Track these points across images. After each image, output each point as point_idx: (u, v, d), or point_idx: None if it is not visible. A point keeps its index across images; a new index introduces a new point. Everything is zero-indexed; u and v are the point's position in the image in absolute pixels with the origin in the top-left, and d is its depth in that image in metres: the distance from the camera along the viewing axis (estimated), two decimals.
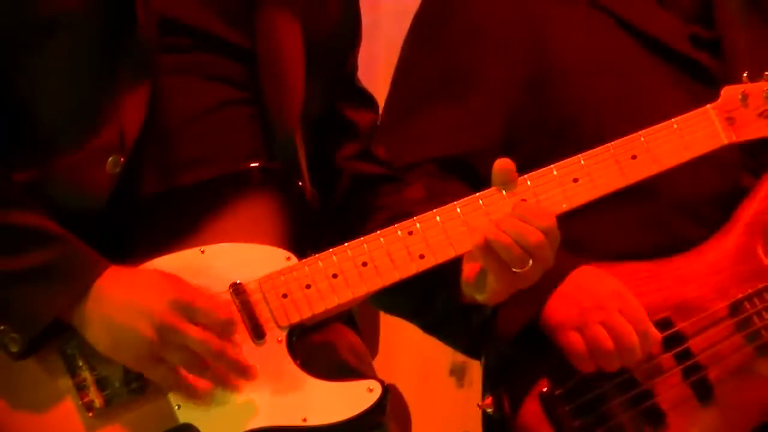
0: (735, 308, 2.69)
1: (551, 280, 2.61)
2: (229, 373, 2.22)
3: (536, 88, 2.77)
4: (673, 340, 2.63)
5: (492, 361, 2.88)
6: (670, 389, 2.67)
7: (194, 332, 2.18)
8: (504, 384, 2.78)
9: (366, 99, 2.71)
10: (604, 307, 2.64)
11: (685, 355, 2.66)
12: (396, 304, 2.73)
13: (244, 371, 2.21)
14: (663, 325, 2.57)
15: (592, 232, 2.74)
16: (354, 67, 2.69)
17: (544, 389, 2.58)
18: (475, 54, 2.86)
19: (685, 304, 2.72)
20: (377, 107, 2.74)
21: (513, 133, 2.67)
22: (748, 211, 2.79)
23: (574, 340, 2.60)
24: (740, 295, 2.69)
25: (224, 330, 2.18)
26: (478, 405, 2.79)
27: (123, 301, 2.25)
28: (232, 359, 2.20)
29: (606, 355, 2.59)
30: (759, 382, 2.76)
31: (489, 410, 2.71)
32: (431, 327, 2.78)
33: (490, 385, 2.84)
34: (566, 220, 2.38)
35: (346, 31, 2.65)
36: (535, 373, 2.69)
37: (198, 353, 2.19)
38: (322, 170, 2.56)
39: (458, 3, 2.97)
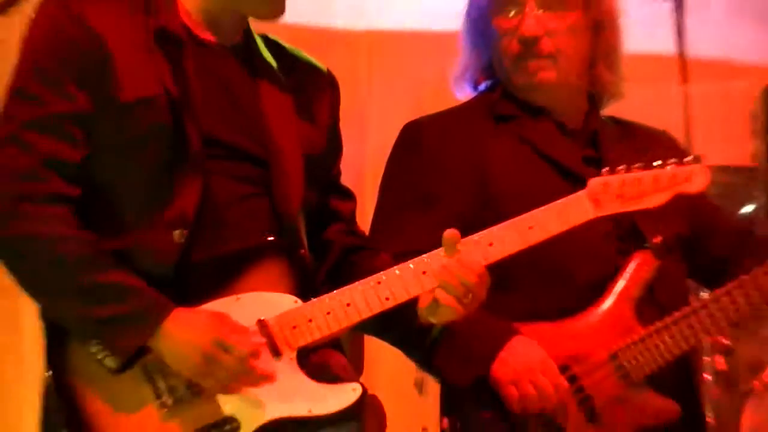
0: (613, 356, 3.45)
1: (495, 347, 3.38)
2: (256, 381, 2.87)
3: (480, 206, 3.44)
4: (571, 380, 3.37)
5: (447, 392, 3.60)
6: (570, 414, 3.42)
7: (226, 360, 2.85)
8: (457, 411, 3.53)
9: (347, 194, 3.38)
10: (533, 370, 3.36)
11: (579, 390, 3.39)
12: (373, 329, 3.35)
13: (264, 378, 2.87)
14: (563, 369, 3.34)
15: (517, 301, 3.46)
16: (338, 171, 3.37)
17: (488, 417, 3.40)
18: (435, 180, 3.57)
19: (578, 355, 3.45)
20: (355, 198, 3.41)
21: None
22: (618, 285, 3.49)
23: (511, 392, 3.34)
24: (615, 348, 3.41)
25: (250, 355, 2.86)
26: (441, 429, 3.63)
27: (182, 336, 2.91)
28: (257, 372, 2.86)
29: (532, 402, 3.34)
30: (631, 407, 3.49)
31: (445, 429, 3.50)
32: (398, 343, 3.46)
33: (446, 408, 3.58)
34: (501, 293, 3.18)
35: (332, 150, 3.31)
36: (480, 407, 3.43)
37: (230, 372, 2.86)
38: (316, 243, 3.23)
39: (422, 141, 3.71)
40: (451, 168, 3.60)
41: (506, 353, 3.38)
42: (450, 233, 2.90)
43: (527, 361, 3.40)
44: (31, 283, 2.99)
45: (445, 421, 3.51)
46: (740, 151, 6.03)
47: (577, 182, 3.33)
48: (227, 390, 2.94)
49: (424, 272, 2.98)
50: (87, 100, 2.96)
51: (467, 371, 3.44)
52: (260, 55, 3.33)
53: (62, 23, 3.03)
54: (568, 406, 3.41)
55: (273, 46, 3.37)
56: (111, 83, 2.97)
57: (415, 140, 3.71)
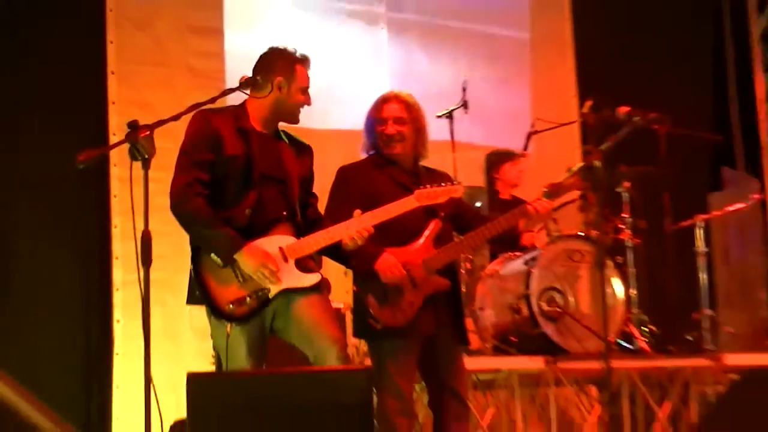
0: (424, 261, 5.29)
1: (376, 256, 5.27)
2: (276, 279, 4.76)
3: (367, 203, 5.14)
4: (407, 271, 5.24)
5: (355, 275, 5.59)
6: (405, 284, 5.30)
7: (265, 270, 4.74)
8: (359, 282, 5.46)
9: (314, 195, 5.33)
10: (392, 265, 5.28)
11: (409, 274, 5.30)
12: (326, 252, 5.22)
13: (280, 272, 4.76)
14: (404, 265, 5.24)
15: (385, 239, 5.25)
16: (311, 186, 5.33)
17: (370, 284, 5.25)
18: (349, 190, 5.47)
19: (409, 261, 5.32)
20: (317, 198, 5.35)
21: None
22: (426, 232, 5.44)
23: (383, 272, 5.24)
24: (425, 258, 5.30)
25: (276, 269, 4.74)
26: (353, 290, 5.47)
27: (247, 256, 4.75)
28: (276, 277, 4.78)
29: (392, 278, 5.25)
30: (431, 281, 5.35)
31: (355, 290, 5.52)
32: (335, 257, 5.32)
33: (356, 282, 5.57)
34: (379, 236, 5.09)
35: (310, 178, 5.30)
36: (368, 280, 5.33)
37: (268, 276, 4.74)
38: (303, 217, 5.12)
39: (345, 173, 5.61)
40: (356, 186, 5.54)
41: (380, 258, 5.34)
42: (357, 212, 5.03)
43: (388, 262, 5.33)
44: (189, 229, 4.93)
45: (354, 286, 5.60)
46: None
47: (409, 192, 5.29)
48: (264, 277, 4.84)
49: (346, 228, 5.02)
50: (210, 155, 4.91)
51: (364, 266, 5.40)
52: (281, 137, 5.22)
53: (201, 123, 4.97)
54: (404, 281, 5.33)
55: (285, 133, 5.24)
56: (221, 148, 4.91)
57: (343, 173, 5.65)
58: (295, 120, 5.16)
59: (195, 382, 4.02)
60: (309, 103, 5.10)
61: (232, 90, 5.04)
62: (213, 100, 4.91)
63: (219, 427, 3.99)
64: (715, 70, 11.44)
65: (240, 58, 5.27)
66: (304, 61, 5.11)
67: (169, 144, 4.94)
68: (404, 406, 5.42)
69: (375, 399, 5.07)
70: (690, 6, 11.34)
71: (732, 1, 11.54)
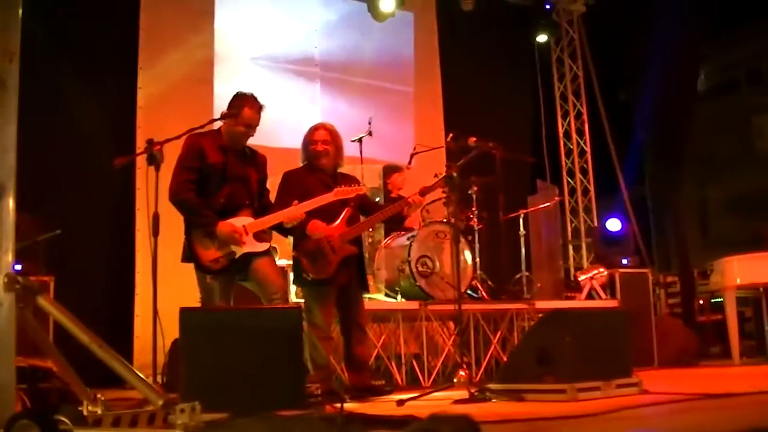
0: (340, 234, 5.24)
1: (305, 223, 5.18)
2: (241, 242, 4.89)
3: (301, 197, 5.19)
4: (328, 242, 5.18)
5: (294, 238, 5.42)
6: (326, 249, 5.25)
7: (235, 235, 4.85)
8: (297, 246, 5.34)
9: (267, 189, 5.30)
10: (319, 230, 5.24)
11: (329, 243, 5.23)
12: (275, 229, 5.23)
13: (243, 241, 4.88)
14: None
15: (317, 217, 5.22)
16: (265, 184, 5.30)
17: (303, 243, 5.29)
18: (289, 188, 5.36)
19: (331, 235, 5.24)
20: (269, 191, 5.35)
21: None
22: (341, 216, 5.36)
23: (313, 233, 5.19)
24: (341, 233, 5.21)
25: (240, 235, 4.89)
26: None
27: (221, 229, 4.87)
28: (242, 240, 4.88)
29: (322, 241, 5.21)
30: (345, 248, 5.30)
31: (294, 255, 5.44)
32: (280, 230, 5.29)
33: (294, 245, 5.42)
34: (314, 215, 5.17)
35: (264, 178, 5.29)
36: (303, 242, 5.26)
37: (236, 240, 4.89)
38: (259, 204, 5.15)
39: (288, 177, 5.49)
40: (295, 184, 5.45)
41: (311, 226, 5.30)
42: (294, 202, 5.08)
43: (317, 228, 5.31)
44: (183, 212, 4.97)
45: (294, 251, 5.51)
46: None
47: (330, 189, 5.33)
48: (232, 244, 4.93)
49: (287, 213, 5.08)
50: (197, 163, 4.99)
51: (300, 232, 5.34)
52: (245, 150, 5.23)
53: (192, 142, 5.06)
54: (326, 247, 5.29)
55: (249, 148, 5.27)
56: (205, 158, 5.00)
57: (287, 175, 5.55)
58: (238, 145, 5.17)
59: (185, 313, 4.02)
60: (248, 135, 5.15)
61: (214, 120, 5.17)
62: (203, 126, 5.06)
63: (201, 344, 3.98)
64: (533, 116, 11.66)
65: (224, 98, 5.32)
66: (252, 104, 5.11)
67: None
68: (325, 332, 5.43)
69: (306, 328, 5.15)
70: (519, 75, 11.64)
71: (542, 72, 11.75)
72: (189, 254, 4.98)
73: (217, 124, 5.16)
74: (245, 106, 5.07)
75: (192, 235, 4.95)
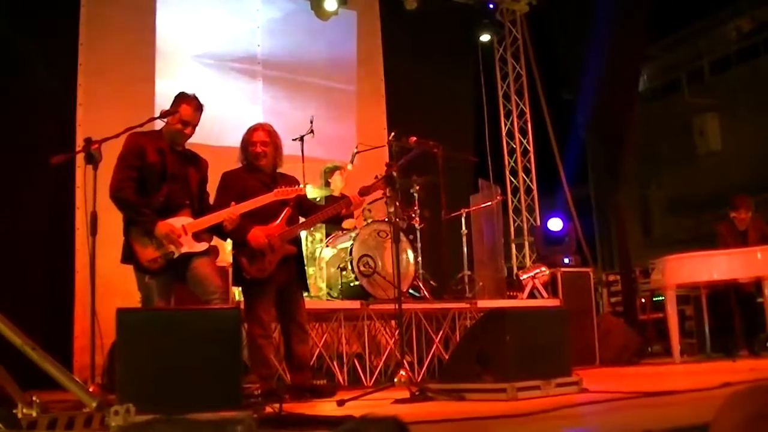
0: (279, 235, 5.33)
1: (247, 230, 5.24)
2: (179, 243, 4.92)
3: (239, 198, 5.23)
4: (268, 241, 5.24)
5: (233, 245, 5.49)
6: (266, 249, 5.30)
7: (173, 235, 4.89)
8: (237, 247, 5.43)
9: (206, 191, 5.34)
10: (259, 236, 5.26)
11: (271, 246, 5.29)
12: (211, 230, 5.21)
13: (182, 241, 4.93)
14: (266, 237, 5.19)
15: (256, 221, 5.25)
16: (206, 185, 5.32)
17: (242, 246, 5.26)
18: (227, 189, 5.42)
19: (271, 234, 5.30)
20: (209, 194, 5.38)
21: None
22: (281, 216, 5.35)
23: (253, 241, 5.20)
24: (280, 233, 5.29)
25: (179, 235, 4.94)
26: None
27: (160, 228, 4.90)
28: (180, 241, 4.92)
29: (261, 245, 5.24)
30: (284, 247, 5.37)
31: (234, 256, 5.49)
32: (218, 233, 5.32)
33: (234, 247, 5.48)
34: (249, 219, 5.15)
35: (204, 179, 5.30)
36: (241, 246, 5.31)
37: (174, 240, 4.92)
38: (199, 205, 5.17)
39: (227, 177, 5.52)
40: (234, 185, 5.51)
41: (251, 232, 5.35)
42: (232, 203, 5.13)
43: (256, 234, 5.35)
44: (123, 209, 4.99)
45: (233, 251, 5.59)
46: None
47: (270, 190, 5.39)
48: (170, 244, 4.97)
49: (224, 213, 5.13)
50: (138, 163, 5.02)
51: (240, 237, 5.38)
52: (185, 151, 5.30)
53: (132, 141, 5.11)
54: (266, 247, 5.36)
55: (189, 150, 5.34)
56: (145, 157, 5.04)
57: (225, 176, 5.60)
58: (176, 144, 5.21)
59: (122, 314, 3.99)
60: (186, 133, 5.18)
61: (153, 119, 5.21)
62: (142, 125, 5.09)
63: (138, 345, 3.96)
64: (476, 115, 11.72)
65: (166, 97, 5.28)
66: (190, 102, 5.15)
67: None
68: (265, 332, 5.48)
69: (246, 328, 5.27)
70: (462, 74, 11.69)
71: (485, 72, 11.84)
72: (128, 254, 5.00)
73: (160, 124, 5.19)
74: (183, 103, 5.10)
75: (131, 234, 4.95)
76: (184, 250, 4.98)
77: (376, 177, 5.95)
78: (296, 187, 5.51)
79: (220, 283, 5.11)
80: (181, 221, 5.03)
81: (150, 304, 4.89)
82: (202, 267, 5.00)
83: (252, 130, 5.61)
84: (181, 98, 5.14)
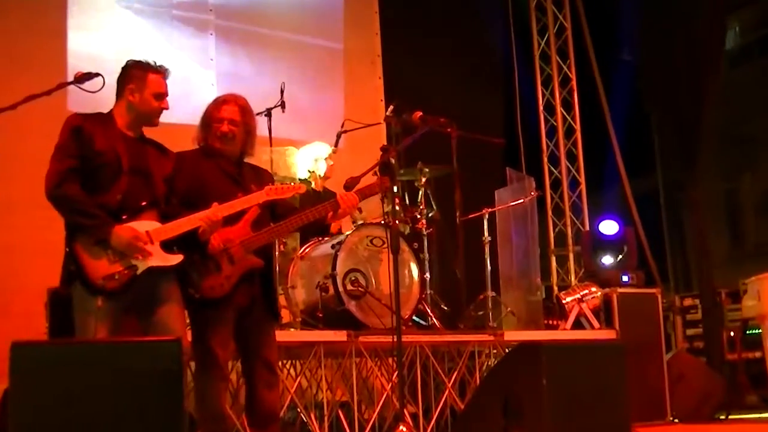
0: (241, 242, 5.28)
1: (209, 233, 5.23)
2: (146, 252, 4.83)
3: (197, 187, 5.36)
4: (225, 246, 5.26)
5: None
6: (223, 259, 5.28)
7: (137, 243, 4.81)
8: (184, 260, 5.18)
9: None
10: (217, 239, 5.26)
11: (228, 251, 5.27)
12: (178, 241, 5.15)
13: (149, 251, 4.84)
14: (226, 241, 5.22)
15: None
16: (170, 181, 5.26)
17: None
18: (181, 178, 5.37)
19: (230, 238, 5.30)
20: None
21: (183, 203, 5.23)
22: (246, 217, 5.37)
23: (211, 242, 5.20)
24: (244, 239, 5.29)
25: (144, 243, 4.83)
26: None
27: (119, 235, 4.80)
28: (146, 250, 4.84)
29: (216, 249, 5.24)
30: (246, 259, 5.35)
31: None
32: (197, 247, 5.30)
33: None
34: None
35: (171, 174, 5.29)
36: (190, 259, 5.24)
37: (138, 249, 4.81)
38: (166, 208, 5.13)
39: (182, 157, 5.49)
40: (186, 171, 5.48)
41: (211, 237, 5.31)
42: (214, 204, 5.21)
43: (217, 235, 5.31)
44: (65, 210, 4.92)
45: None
46: None
47: (234, 182, 5.50)
48: (133, 256, 4.91)
49: (202, 217, 5.14)
50: (79, 152, 4.95)
51: (203, 239, 5.28)
52: (145, 138, 5.30)
53: (72, 126, 5.04)
54: (223, 256, 5.33)
55: (146, 137, 5.32)
56: (91, 144, 4.97)
57: (178, 157, 5.51)
58: (152, 123, 5.29)
59: (18, 349, 3.91)
60: (165, 107, 5.25)
61: (66, 84, 5.13)
62: (49, 92, 4.99)
63: (38, 392, 3.90)
64: (503, 83, 11.68)
65: (82, 58, 5.14)
66: (158, 70, 5.25)
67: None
68: (219, 372, 5.43)
69: (193, 367, 5.29)
70: (484, 27, 11.61)
71: (517, 23, 11.79)
72: (72, 272, 4.96)
73: (76, 93, 5.20)
74: (149, 71, 5.21)
75: (76, 242, 4.94)
76: (152, 263, 4.99)
77: (375, 174, 6.02)
78: (296, 184, 5.57)
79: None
80: (144, 226, 5.03)
81: (87, 336, 4.81)
82: (172, 320, 5.07)
83: (220, 102, 5.67)
84: (141, 66, 5.27)
